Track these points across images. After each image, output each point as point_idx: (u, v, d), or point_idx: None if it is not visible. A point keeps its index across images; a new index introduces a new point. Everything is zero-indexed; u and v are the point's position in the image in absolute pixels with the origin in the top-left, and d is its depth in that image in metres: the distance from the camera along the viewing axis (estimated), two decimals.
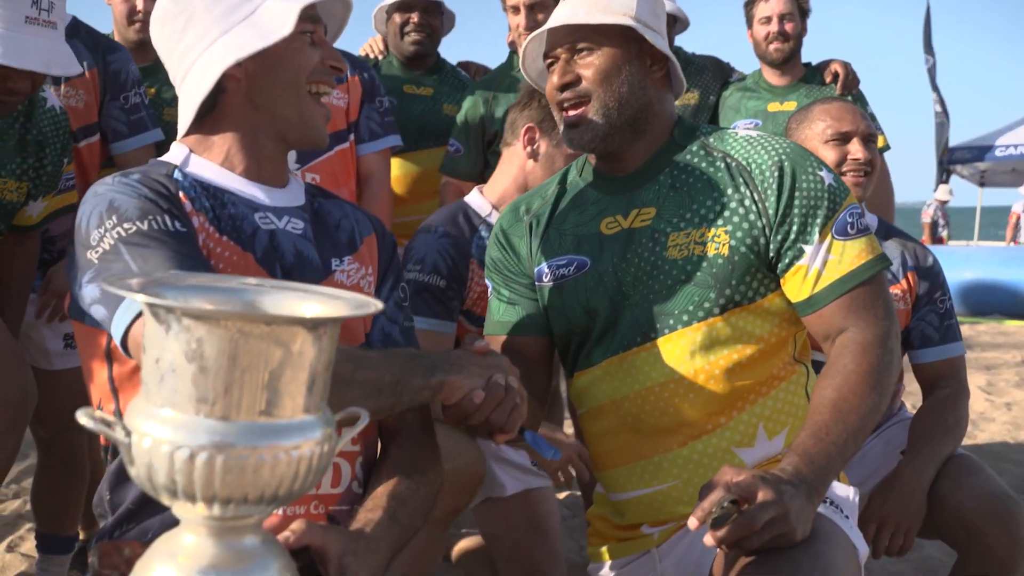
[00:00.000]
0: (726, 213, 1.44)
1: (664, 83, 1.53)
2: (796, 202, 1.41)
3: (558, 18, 1.47)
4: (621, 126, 1.47)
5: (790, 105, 3.07)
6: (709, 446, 1.43)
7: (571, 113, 1.48)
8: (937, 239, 11.49)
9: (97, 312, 1.13)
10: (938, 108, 10.71)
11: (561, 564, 2.25)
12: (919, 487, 1.75)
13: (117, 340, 1.09)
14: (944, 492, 1.74)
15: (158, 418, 0.73)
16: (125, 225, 1.12)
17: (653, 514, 1.47)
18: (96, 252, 1.13)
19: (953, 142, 11.54)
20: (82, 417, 0.74)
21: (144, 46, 2.50)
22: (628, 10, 1.45)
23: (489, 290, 1.65)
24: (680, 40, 3.32)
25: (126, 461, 0.76)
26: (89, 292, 1.13)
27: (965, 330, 7.89)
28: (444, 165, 2.86)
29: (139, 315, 1.06)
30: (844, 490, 1.44)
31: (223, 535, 0.77)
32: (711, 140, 1.51)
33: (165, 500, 0.75)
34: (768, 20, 3.10)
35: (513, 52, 3.03)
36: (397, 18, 2.91)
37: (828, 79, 3.12)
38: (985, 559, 1.68)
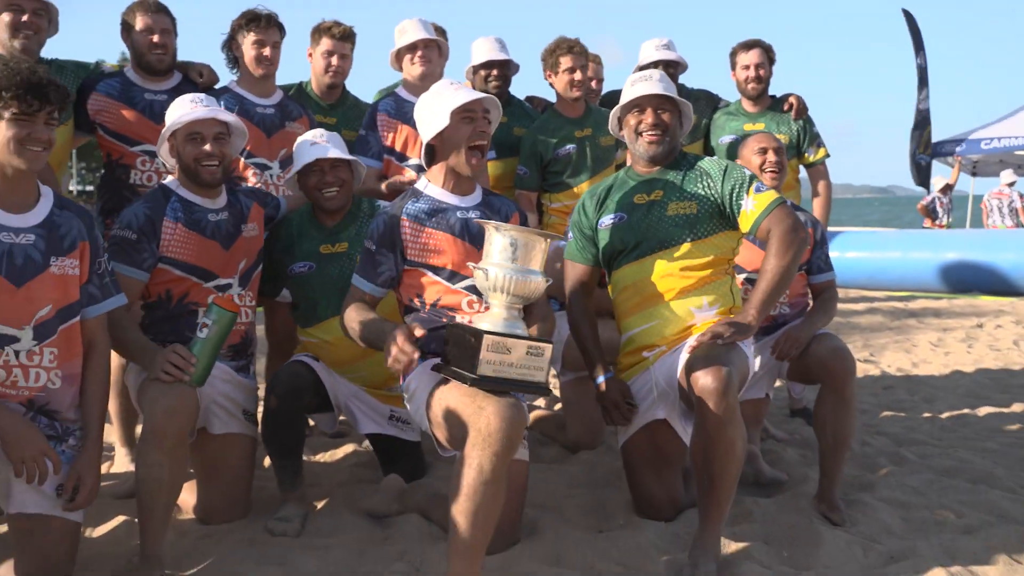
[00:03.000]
0: (696, 192, 2.89)
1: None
2: (732, 182, 2.85)
3: (649, 89, 2.91)
4: (672, 148, 2.94)
5: (760, 125, 4.47)
6: (679, 305, 2.85)
7: (655, 138, 2.92)
8: (937, 225, 12.69)
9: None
10: (923, 106, 12.03)
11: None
12: (805, 333, 3.19)
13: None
14: (812, 346, 3.17)
15: (497, 265, 2.20)
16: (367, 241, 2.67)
17: (649, 340, 2.89)
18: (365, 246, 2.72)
19: (937, 137, 12.88)
20: (471, 266, 2.24)
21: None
22: (674, 92, 2.93)
23: (569, 236, 3.11)
24: (681, 78, 4.74)
25: (480, 280, 2.25)
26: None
27: (942, 304, 9.24)
28: (517, 181, 4.28)
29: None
30: (749, 343, 2.85)
31: (507, 310, 2.22)
32: (691, 158, 2.99)
33: (494, 293, 2.21)
34: (747, 67, 4.50)
35: (551, 104, 4.45)
36: (482, 72, 4.34)
37: (786, 108, 4.53)
38: (832, 382, 3.06)
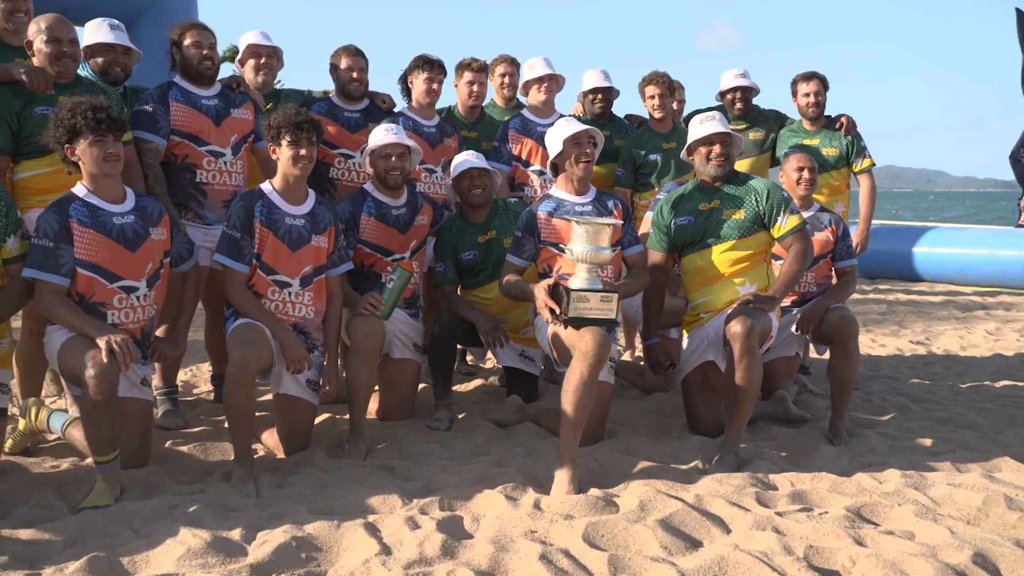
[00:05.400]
0: (745, 204, 4.06)
1: None
2: (773, 203, 4.02)
3: (717, 128, 4.07)
4: (730, 170, 4.14)
5: (815, 141, 5.59)
6: (728, 284, 4.04)
7: (721, 162, 4.09)
8: None
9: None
10: None
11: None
12: (822, 307, 4.29)
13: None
14: (827, 315, 4.25)
15: (579, 246, 3.46)
16: None
17: (705, 308, 4.09)
18: None
19: None
20: (563, 247, 3.51)
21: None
22: (729, 129, 4.11)
23: (650, 231, 4.34)
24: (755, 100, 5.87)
25: (568, 255, 3.53)
26: None
27: (1021, 300, 9.93)
28: (616, 180, 5.52)
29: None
30: (773, 314, 4.03)
31: (588, 272, 3.48)
32: (743, 176, 4.16)
33: (580, 263, 3.47)
34: (807, 95, 5.60)
35: (645, 121, 5.66)
36: (590, 96, 5.59)
37: (838, 126, 5.61)
38: (839, 340, 4.15)
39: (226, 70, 4.71)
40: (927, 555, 2.78)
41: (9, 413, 3.66)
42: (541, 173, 5.19)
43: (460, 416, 4.56)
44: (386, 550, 2.85)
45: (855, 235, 5.47)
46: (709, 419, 4.20)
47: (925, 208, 65.83)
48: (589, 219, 3.55)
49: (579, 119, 4.76)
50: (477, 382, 5.40)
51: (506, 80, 5.51)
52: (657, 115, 5.45)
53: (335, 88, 5.02)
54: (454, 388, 5.16)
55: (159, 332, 3.91)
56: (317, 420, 4.32)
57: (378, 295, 3.98)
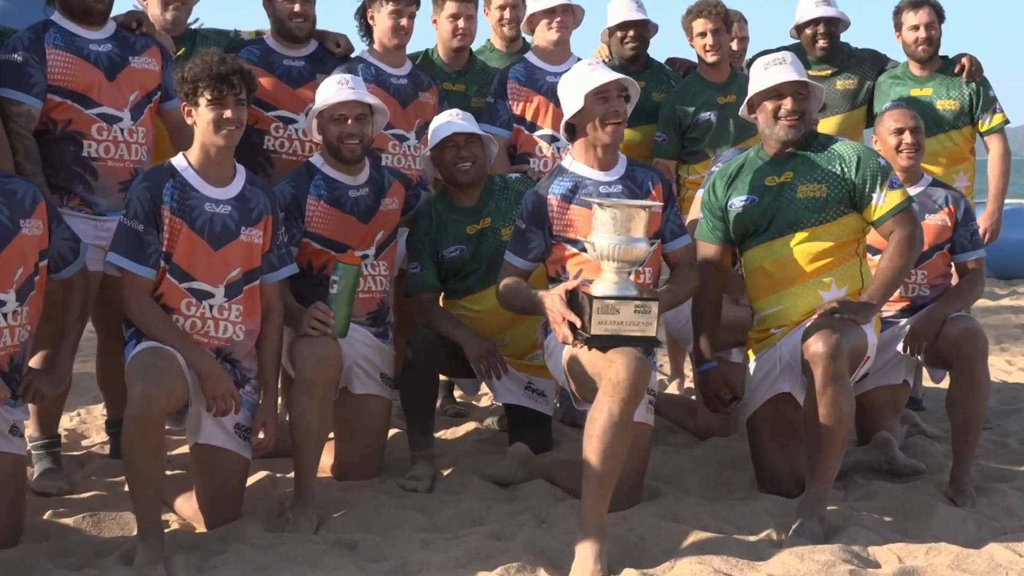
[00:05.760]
0: (828, 175, 4.09)
1: None
2: (866, 173, 4.04)
3: (788, 75, 4.07)
4: (805, 132, 4.17)
5: (928, 91, 5.62)
6: (807, 288, 4.07)
7: (793, 122, 4.08)
8: None
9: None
10: None
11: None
12: (938, 317, 4.32)
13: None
14: (944, 328, 4.28)
15: (604, 237, 3.50)
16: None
17: (777, 321, 4.12)
18: None
19: None
20: (582, 240, 3.59)
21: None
22: (806, 76, 4.15)
23: (700, 216, 4.37)
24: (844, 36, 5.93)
25: (590, 251, 3.60)
26: None
27: None
28: (655, 149, 5.58)
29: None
30: (871, 327, 4.04)
31: (617, 274, 3.53)
32: (823, 139, 4.21)
33: (607, 262, 3.52)
34: (916, 27, 5.63)
35: (694, 67, 5.75)
36: (619, 34, 5.64)
37: (957, 70, 5.65)
38: (961, 363, 4.18)
39: (123, 5, 4.75)
40: None
41: None
42: (553, 139, 5.22)
43: (445, 472, 4.58)
44: None
45: (982, 218, 5.50)
46: (786, 472, 4.22)
47: None
48: (617, 201, 3.58)
49: (605, 64, 4.81)
50: (468, 426, 5.43)
51: (506, 15, 5.54)
52: (709, 59, 5.51)
53: (271, 27, 5.08)
54: (437, 434, 5.18)
55: (34, 362, 3.94)
56: (250, 480, 4.34)
57: (325, 306, 3.99)
